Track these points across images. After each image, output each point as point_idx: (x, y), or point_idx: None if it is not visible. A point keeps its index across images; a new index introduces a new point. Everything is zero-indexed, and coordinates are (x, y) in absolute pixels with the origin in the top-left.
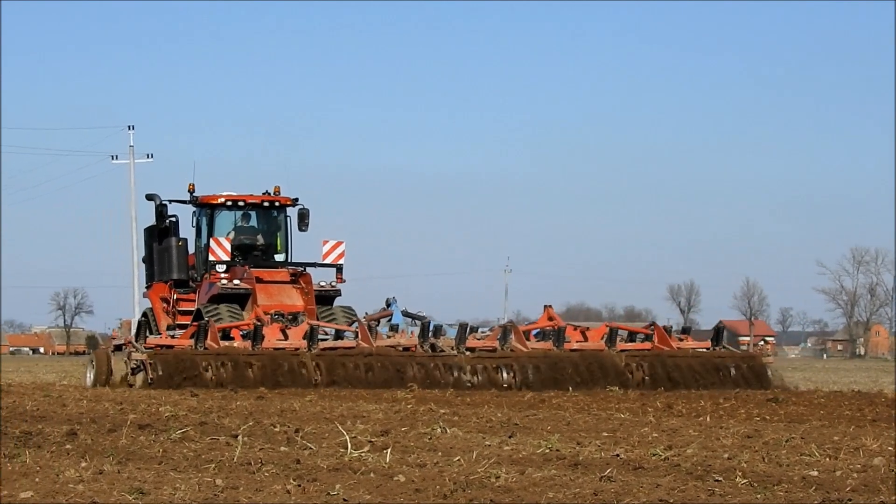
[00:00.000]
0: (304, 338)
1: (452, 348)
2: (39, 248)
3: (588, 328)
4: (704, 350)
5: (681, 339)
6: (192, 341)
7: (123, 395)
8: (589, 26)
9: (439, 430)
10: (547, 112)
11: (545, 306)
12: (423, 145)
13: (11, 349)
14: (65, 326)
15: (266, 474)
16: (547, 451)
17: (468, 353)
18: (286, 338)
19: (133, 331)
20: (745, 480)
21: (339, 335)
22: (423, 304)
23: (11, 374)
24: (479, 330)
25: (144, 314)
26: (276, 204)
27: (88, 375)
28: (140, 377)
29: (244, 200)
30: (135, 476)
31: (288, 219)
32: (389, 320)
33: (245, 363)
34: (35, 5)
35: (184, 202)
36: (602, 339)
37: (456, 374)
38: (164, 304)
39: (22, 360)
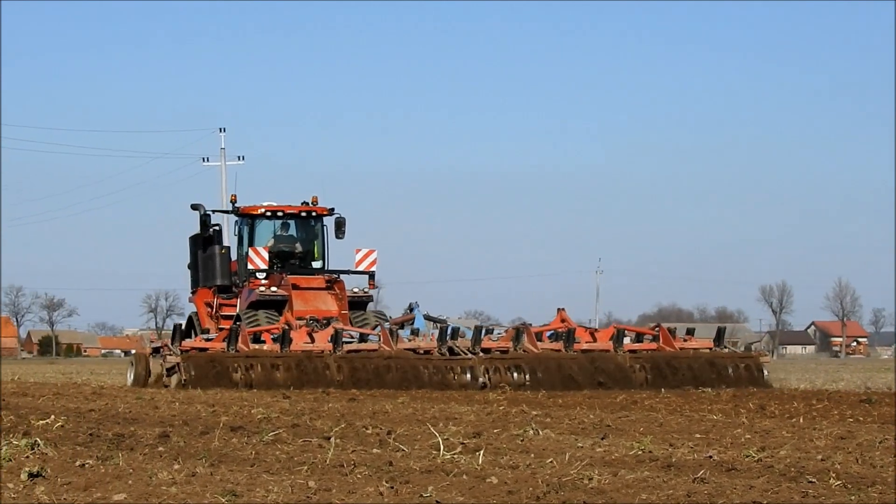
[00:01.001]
0: (329, 341)
1: (468, 350)
2: (131, 251)
3: (597, 330)
4: (706, 350)
5: (685, 340)
6: (224, 344)
7: (215, 398)
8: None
9: (531, 431)
10: (640, 112)
11: (558, 309)
12: (517, 145)
13: (104, 351)
14: (156, 329)
15: (359, 476)
16: (640, 452)
17: (482, 354)
18: (313, 341)
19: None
20: (839, 482)
21: (363, 338)
22: (514, 307)
23: (103, 376)
24: (495, 332)
25: (189, 318)
26: (313, 214)
27: (129, 376)
28: (175, 378)
29: (283, 211)
30: (227, 478)
31: (325, 227)
32: (412, 324)
33: (272, 365)
34: (124, 7)
35: (226, 212)
36: (610, 339)
37: (469, 374)
38: (209, 309)
39: (114, 363)
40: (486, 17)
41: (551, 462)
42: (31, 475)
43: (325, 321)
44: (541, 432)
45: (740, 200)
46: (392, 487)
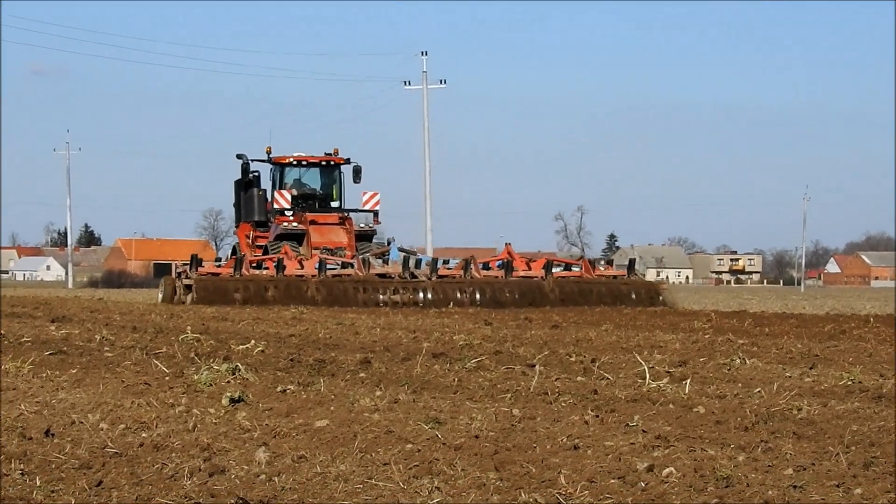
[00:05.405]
0: (315, 268)
1: (426, 276)
2: None
3: (533, 260)
4: (619, 278)
5: (604, 269)
6: (231, 270)
7: (416, 324)
8: None
9: (738, 360)
10: (851, 46)
11: (506, 244)
12: (728, 78)
13: None
14: None
15: (563, 404)
16: (849, 382)
17: (436, 279)
18: (302, 268)
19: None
20: None
21: (344, 265)
22: (719, 234)
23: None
24: (451, 261)
25: (234, 247)
26: (332, 163)
27: (159, 295)
28: (190, 297)
29: (306, 160)
30: (430, 405)
31: (342, 174)
32: (388, 255)
33: (265, 287)
34: None
35: (263, 161)
36: (542, 269)
37: (422, 294)
38: (247, 240)
39: None
40: None
41: (759, 392)
42: (232, 400)
43: (336, 250)
44: (748, 361)
45: None
46: (597, 416)
